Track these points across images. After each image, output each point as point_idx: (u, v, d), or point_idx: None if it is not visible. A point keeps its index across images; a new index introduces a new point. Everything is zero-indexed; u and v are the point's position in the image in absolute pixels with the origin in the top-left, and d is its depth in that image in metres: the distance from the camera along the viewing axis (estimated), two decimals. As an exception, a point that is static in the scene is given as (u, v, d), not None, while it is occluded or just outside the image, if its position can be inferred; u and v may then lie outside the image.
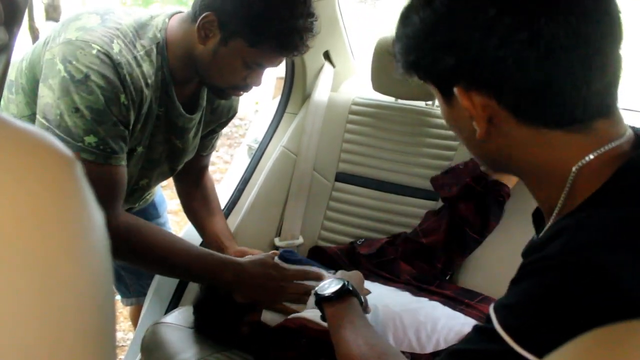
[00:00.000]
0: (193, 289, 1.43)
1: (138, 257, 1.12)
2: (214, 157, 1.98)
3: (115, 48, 1.00)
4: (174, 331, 1.25)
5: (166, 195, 1.72)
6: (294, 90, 1.70)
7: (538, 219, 0.71)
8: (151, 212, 1.54)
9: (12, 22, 0.43)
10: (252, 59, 1.07)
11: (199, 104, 1.24)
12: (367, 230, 1.50)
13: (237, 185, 1.65)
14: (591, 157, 0.59)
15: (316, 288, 0.95)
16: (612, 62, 0.59)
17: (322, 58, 1.68)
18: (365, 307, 0.96)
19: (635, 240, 0.53)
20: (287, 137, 1.61)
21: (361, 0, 6.81)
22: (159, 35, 1.08)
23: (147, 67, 1.05)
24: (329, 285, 0.94)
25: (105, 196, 1.02)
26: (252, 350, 1.18)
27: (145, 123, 1.11)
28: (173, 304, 1.43)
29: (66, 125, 0.97)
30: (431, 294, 1.24)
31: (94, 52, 0.97)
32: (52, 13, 5.92)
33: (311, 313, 1.06)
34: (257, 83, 1.14)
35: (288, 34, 1.04)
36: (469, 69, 0.60)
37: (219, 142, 1.52)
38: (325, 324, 0.94)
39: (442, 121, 1.15)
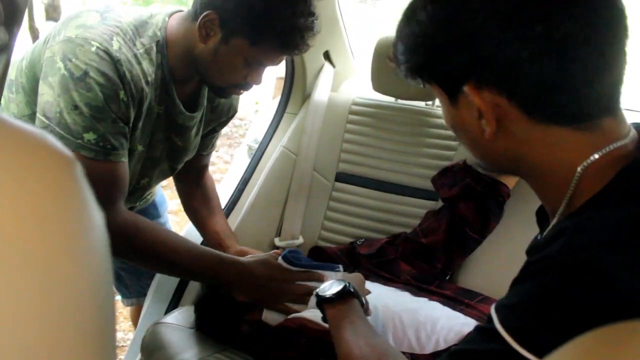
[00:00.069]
0: (193, 289, 1.43)
1: (139, 255, 1.12)
2: (214, 157, 1.98)
3: (115, 45, 1.00)
4: (174, 331, 1.25)
5: (166, 195, 1.72)
6: (294, 90, 1.70)
7: (542, 217, 0.71)
8: (152, 212, 1.54)
9: (12, 22, 0.43)
10: (253, 57, 1.07)
11: (200, 103, 1.24)
12: (367, 230, 1.50)
13: (237, 185, 1.65)
14: (596, 156, 0.58)
15: (317, 289, 0.95)
16: (621, 58, 0.58)
17: (322, 58, 1.68)
18: (366, 310, 0.96)
19: (635, 241, 0.53)
20: (287, 137, 1.61)
21: (361, 0, 6.81)
22: (159, 33, 1.08)
23: (147, 65, 1.06)
24: (330, 286, 0.94)
25: (106, 193, 1.02)
26: (252, 350, 1.18)
27: (145, 121, 1.11)
28: (173, 304, 1.43)
29: (65, 122, 0.97)
30: (431, 294, 1.24)
31: (93, 49, 0.97)
32: (52, 13, 5.91)
33: (311, 313, 1.07)
34: (258, 82, 1.14)
35: (289, 33, 1.04)
36: (482, 66, 0.58)
37: (218, 142, 1.52)
38: (325, 325, 0.94)
39: (442, 121, 1.15)
